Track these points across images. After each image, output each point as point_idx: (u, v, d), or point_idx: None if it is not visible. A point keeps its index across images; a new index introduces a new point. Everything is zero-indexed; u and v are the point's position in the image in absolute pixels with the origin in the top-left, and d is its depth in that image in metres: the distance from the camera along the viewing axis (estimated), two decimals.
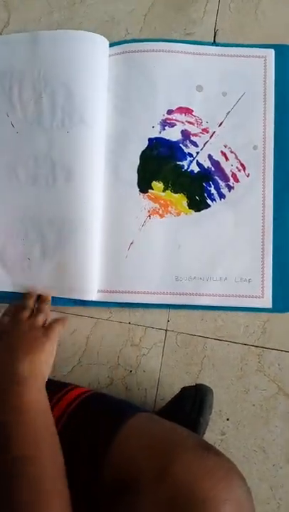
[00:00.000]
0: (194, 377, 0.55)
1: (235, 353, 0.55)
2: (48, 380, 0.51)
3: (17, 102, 0.56)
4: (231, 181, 0.56)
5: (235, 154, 0.56)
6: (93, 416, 0.41)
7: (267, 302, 0.54)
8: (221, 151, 0.56)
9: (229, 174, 0.56)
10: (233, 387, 0.54)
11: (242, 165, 0.56)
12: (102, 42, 0.57)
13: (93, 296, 0.55)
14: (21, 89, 0.56)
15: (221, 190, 0.56)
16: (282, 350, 0.54)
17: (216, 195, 0.56)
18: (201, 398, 0.46)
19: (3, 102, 0.57)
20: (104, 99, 0.57)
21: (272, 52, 0.58)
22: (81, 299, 0.54)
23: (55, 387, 0.49)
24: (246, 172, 0.56)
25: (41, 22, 0.62)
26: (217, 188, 0.56)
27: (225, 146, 0.56)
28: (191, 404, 0.46)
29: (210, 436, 0.53)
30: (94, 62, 0.56)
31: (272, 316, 0.55)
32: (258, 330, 0.55)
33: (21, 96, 0.56)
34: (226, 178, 0.56)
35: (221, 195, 0.56)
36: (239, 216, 0.55)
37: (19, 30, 0.62)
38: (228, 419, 0.53)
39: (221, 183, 0.56)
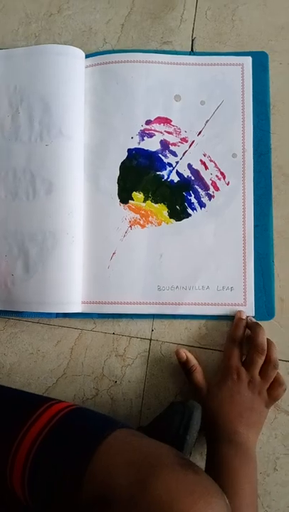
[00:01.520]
0: (180, 386, 0.55)
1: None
2: (29, 394, 0.51)
3: None
4: (211, 190, 0.56)
5: (215, 163, 0.56)
6: (73, 432, 0.41)
7: (250, 310, 0.54)
8: (201, 160, 0.56)
9: (209, 183, 0.56)
10: None
11: (222, 173, 0.56)
12: (78, 54, 0.57)
13: (78, 308, 0.55)
14: None
15: (202, 199, 0.56)
16: None
17: (196, 204, 0.56)
18: (188, 415, 0.46)
19: None
20: (81, 111, 0.57)
21: (249, 59, 0.58)
22: (66, 311, 0.54)
23: (36, 402, 0.49)
24: (226, 180, 0.56)
25: (19, 33, 0.62)
26: (197, 197, 0.56)
27: (204, 155, 0.56)
28: (179, 421, 0.46)
29: (196, 446, 0.53)
30: (70, 74, 0.56)
31: None
32: None
33: None
34: (206, 187, 0.56)
35: (202, 205, 0.56)
36: (220, 224, 0.55)
37: None
38: None
39: (201, 192, 0.56)
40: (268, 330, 0.54)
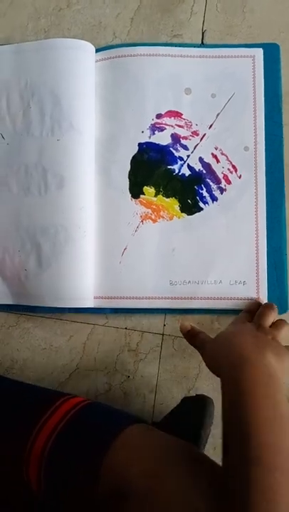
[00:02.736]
0: (192, 381, 0.55)
1: None
2: (45, 388, 0.52)
3: (5, 113, 0.57)
4: (223, 183, 0.56)
5: (227, 156, 0.56)
6: (89, 426, 0.41)
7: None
8: (212, 154, 0.56)
9: (221, 176, 0.56)
10: None
11: (233, 166, 0.56)
12: (88, 48, 0.57)
13: (90, 303, 0.55)
14: (9, 101, 0.57)
15: (213, 192, 0.56)
16: None
17: (208, 198, 0.56)
18: (202, 410, 0.46)
19: None
20: (92, 105, 0.56)
21: (260, 51, 0.58)
22: (79, 306, 0.54)
23: (53, 396, 0.49)
24: (238, 173, 0.56)
25: (28, 28, 0.62)
26: (209, 191, 0.56)
27: (216, 148, 0.56)
28: (192, 417, 0.46)
29: (210, 440, 0.53)
30: (80, 68, 0.56)
31: None
32: None
33: (9, 107, 0.56)
34: (217, 181, 0.56)
35: (214, 198, 0.55)
36: (232, 218, 0.55)
37: (6, 36, 0.62)
38: None
39: (213, 186, 0.56)
40: None
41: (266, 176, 0.56)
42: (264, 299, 0.54)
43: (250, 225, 0.55)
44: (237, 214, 0.55)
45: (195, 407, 0.47)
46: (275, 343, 0.45)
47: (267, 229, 0.55)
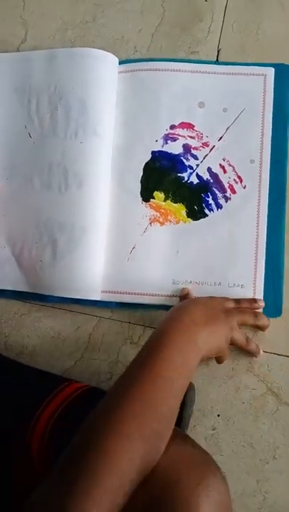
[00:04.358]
0: None
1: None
2: (51, 374, 0.56)
3: (34, 114, 0.61)
4: (228, 192, 0.59)
5: (233, 167, 0.60)
6: (88, 407, 0.45)
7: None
8: (220, 164, 0.60)
9: (226, 186, 0.59)
10: (225, 386, 0.57)
11: (239, 177, 0.59)
12: (113, 60, 0.61)
13: (98, 296, 0.59)
14: (38, 103, 0.61)
15: (219, 200, 0.59)
16: (271, 353, 0.57)
17: (213, 206, 0.59)
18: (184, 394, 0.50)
19: (22, 115, 0.62)
20: (113, 113, 0.61)
21: (272, 70, 0.61)
22: (87, 298, 0.59)
23: (58, 380, 0.53)
24: (243, 184, 0.59)
25: (56, 38, 0.67)
26: (215, 199, 0.59)
27: (223, 160, 0.60)
28: None
29: (201, 430, 0.56)
30: (105, 78, 0.61)
31: None
32: (250, 332, 0.58)
33: (38, 109, 0.61)
34: (223, 190, 0.59)
35: (218, 206, 0.59)
36: (235, 225, 0.58)
37: (35, 45, 0.67)
38: (218, 416, 0.57)
39: (219, 194, 0.59)
40: (275, 327, 0.57)
41: (269, 188, 0.59)
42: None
43: (251, 232, 0.58)
44: (239, 221, 0.58)
45: None
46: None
47: (266, 237, 0.58)
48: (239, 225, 0.58)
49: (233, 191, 0.59)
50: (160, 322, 0.47)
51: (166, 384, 0.40)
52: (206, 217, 0.59)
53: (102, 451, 0.33)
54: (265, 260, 0.58)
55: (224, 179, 0.60)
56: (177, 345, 0.43)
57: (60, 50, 0.62)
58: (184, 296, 0.57)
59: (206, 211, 0.59)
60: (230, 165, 0.60)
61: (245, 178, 0.59)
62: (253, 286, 0.57)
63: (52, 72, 0.61)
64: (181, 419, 0.49)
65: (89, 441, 0.35)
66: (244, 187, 0.59)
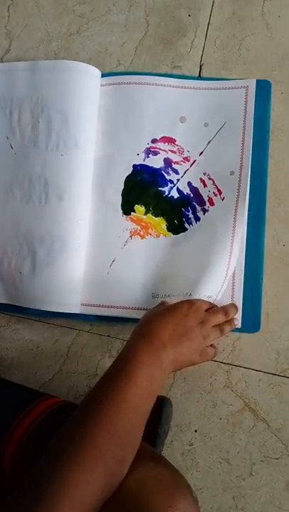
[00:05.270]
0: (166, 390, 0.58)
1: (206, 368, 0.58)
2: (27, 388, 0.55)
3: (16, 125, 0.61)
4: (207, 205, 0.59)
5: (213, 180, 0.60)
6: (63, 422, 0.45)
7: (237, 321, 0.57)
8: (200, 179, 0.60)
9: (206, 199, 0.59)
10: (202, 401, 0.57)
11: (218, 190, 0.59)
12: (95, 73, 0.61)
13: (77, 309, 0.59)
14: (20, 114, 0.61)
15: (197, 213, 0.59)
16: (249, 368, 0.57)
17: (192, 219, 0.59)
18: (159, 410, 0.50)
19: (4, 126, 0.62)
20: (95, 126, 0.61)
21: (254, 82, 0.61)
22: (66, 311, 0.58)
23: (35, 395, 0.52)
24: (222, 196, 0.59)
25: (39, 50, 0.67)
26: (194, 213, 0.59)
27: (204, 174, 0.60)
28: (150, 416, 0.49)
29: (178, 446, 0.56)
30: (87, 91, 0.61)
31: (242, 335, 0.58)
32: (228, 348, 0.58)
33: (20, 120, 0.61)
34: (202, 203, 0.59)
35: (197, 218, 0.59)
36: (211, 237, 0.57)
37: (19, 56, 0.67)
38: (196, 431, 0.57)
39: (198, 208, 0.59)
40: (253, 342, 0.57)
41: (249, 203, 0.58)
42: (237, 322, 0.56)
43: (225, 244, 0.56)
44: (216, 233, 0.57)
45: (154, 407, 0.50)
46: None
47: (246, 253, 0.58)
48: (215, 236, 0.57)
49: (212, 203, 0.59)
50: (129, 337, 0.47)
51: (132, 409, 0.40)
52: (186, 232, 0.59)
53: (66, 483, 0.33)
54: (245, 276, 0.57)
55: (204, 193, 0.60)
56: (143, 370, 0.43)
57: (43, 62, 0.62)
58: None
59: (186, 225, 0.59)
60: (210, 178, 0.60)
61: (224, 190, 0.59)
62: (230, 301, 0.57)
63: (34, 83, 0.61)
64: (156, 437, 0.49)
65: (52, 471, 0.34)
66: (222, 199, 0.59)
